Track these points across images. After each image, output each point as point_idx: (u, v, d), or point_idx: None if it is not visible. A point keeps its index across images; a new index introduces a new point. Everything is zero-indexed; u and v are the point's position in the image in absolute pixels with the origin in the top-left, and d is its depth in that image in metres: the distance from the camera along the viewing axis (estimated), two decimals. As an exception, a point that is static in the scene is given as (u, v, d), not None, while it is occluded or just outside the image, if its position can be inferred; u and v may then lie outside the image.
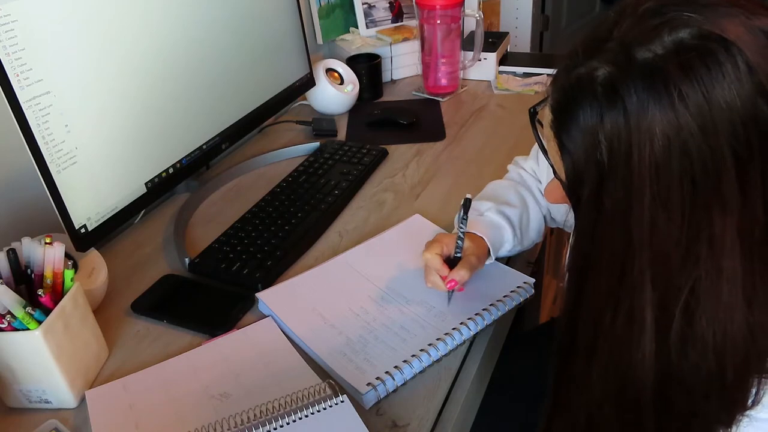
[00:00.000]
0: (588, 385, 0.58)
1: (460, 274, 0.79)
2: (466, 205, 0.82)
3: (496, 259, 0.89)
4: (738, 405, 0.54)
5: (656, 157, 0.48)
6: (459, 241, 0.81)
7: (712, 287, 0.50)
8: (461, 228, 0.81)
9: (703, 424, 0.55)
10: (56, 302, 0.71)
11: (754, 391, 0.53)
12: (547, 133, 0.57)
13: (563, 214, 0.90)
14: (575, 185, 0.54)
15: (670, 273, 0.50)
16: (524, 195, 0.94)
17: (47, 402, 0.73)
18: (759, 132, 0.47)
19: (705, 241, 0.49)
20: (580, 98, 0.51)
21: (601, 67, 0.50)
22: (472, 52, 1.49)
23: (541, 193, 0.96)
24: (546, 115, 0.57)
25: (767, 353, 0.52)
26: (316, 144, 1.26)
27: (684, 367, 0.52)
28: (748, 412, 0.54)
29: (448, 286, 0.80)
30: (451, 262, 0.82)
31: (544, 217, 0.95)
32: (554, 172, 0.60)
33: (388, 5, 1.64)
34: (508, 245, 0.88)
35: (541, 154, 0.95)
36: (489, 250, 0.86)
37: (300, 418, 0.67)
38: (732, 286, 0.50)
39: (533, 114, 0.63)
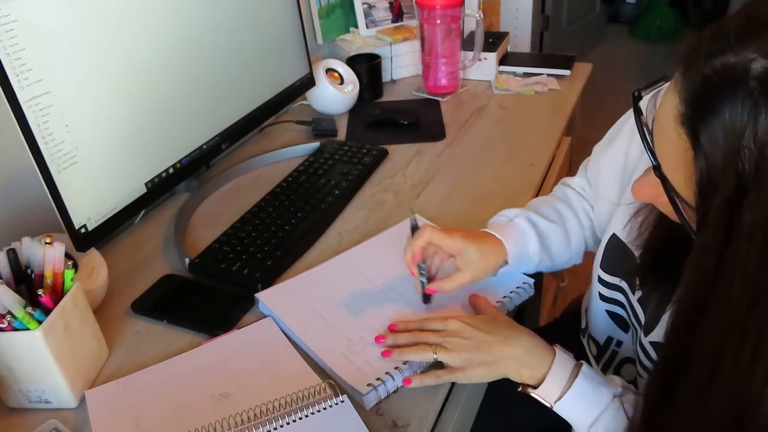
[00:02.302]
0: (698, 417, 0.52)
1: (444, 286, 0.79)
2: (413, 225, 0.81)
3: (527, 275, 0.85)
4: None
5: None
6: (423, 273, 0.79)
7: None
8: (421, 270, 0.80)
9: None
10: (56, 302, 0.71)
11: None
12: (663, 127, 0.50)
13: (605, 215, 0.82)
14: (705, 192, 0.46)
15: None
16: (562, 210, 0.89)
17: (47, 402, 0.73)
18: None
19: None
20: (728, 92, 0.43)
21: (759, 57, 0.42)
22: (472, 52, 1.49)
23: (590, 211, 0.90)
24: (669, 105, 0.48)
25: None
26: (316, 144, 1.26)
27: None
28: None
29: (428, 290, 0.80)
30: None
31: (585, 240, 0.90)
32: (656, 170, 0.52)
33: (388, 5, 1.64)
34: (534, 259, 0.83)
35: (589, 168, 0.88)
36: (505, 259, 0.82)
37: (300, 418, 0.67)
38: None
39: (637, 98, 0.54)
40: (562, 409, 0.67)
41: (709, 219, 0.46)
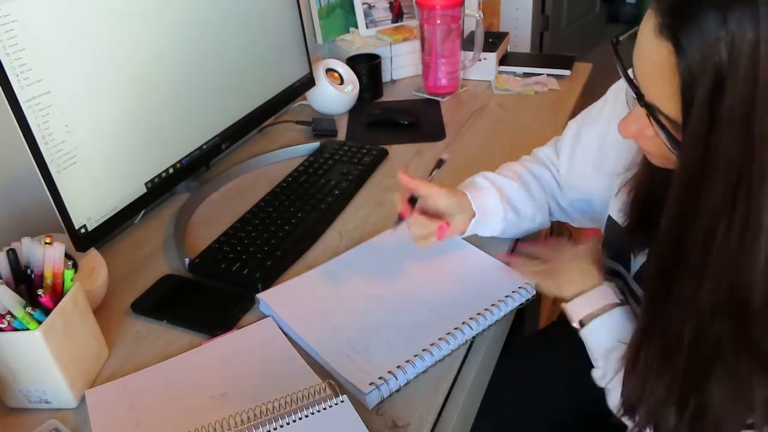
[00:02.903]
0: (695, 301, 0.57)
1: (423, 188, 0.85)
2: (438, 163, 0.88)
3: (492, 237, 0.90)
4: None
5: None
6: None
7: None
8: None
9: None
10: (56, 302, 0.71)
11: None
12: (642, 49, 0.56)
13: (580, 191, 0.90)
14: (689, 88, 0.51)
15: None
16: (520, 171, 0.95)
17: (47, 402, 0.73)
18: None
19: None
20: None
21: None
22: (472, 52, 1.49)
23: (547, 178, 0.96)
24: (647, 25, 0.55)
25: None
26: (316, 144, 1.26)
27: None
28: None
29: (402, 214, 0.85)
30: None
31: (549, 203, 0.95)
32: (639, 99, 0.58)
33: (388, 5, 1.64)
34: (498, 212, 0.90)
35: (560, 142, 0.95)
36: (473, 211, 0.88)
37: (300, 418, 0.67)
38: None
39: (616, 42, 0.62)
40: (586, 331, 0.76)
41: (694, 111, 0.51)
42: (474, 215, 0.89)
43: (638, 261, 0.77)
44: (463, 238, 0.93)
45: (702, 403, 0.60)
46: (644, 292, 0.65)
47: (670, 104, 0.54)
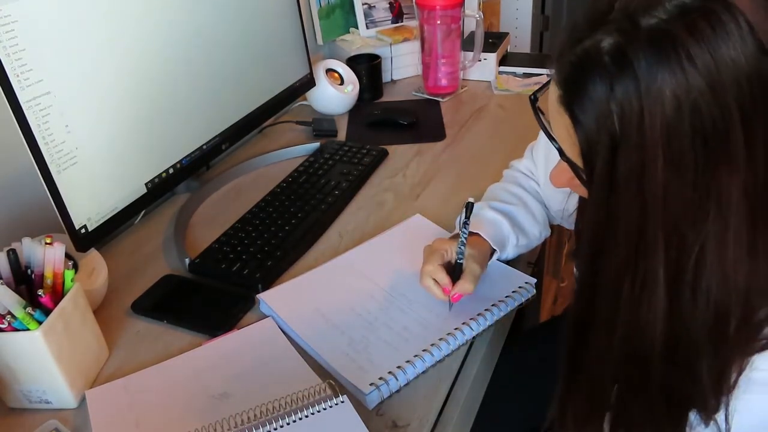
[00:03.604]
0: (607, 352, 0.60)
1: (464, 287, 0.80)
2: (468, 209, 0.81)
3: (504, 261, 0.89)
4: (738, 354, 0.57)
5: (668, 119, 0.49)
6: (461, 247, 0.81)
7: (719, 243, 0.52)
8: (463, 233, 0.81)
9: (710, 376, 0.57)
10: (56, 302, 0.71)
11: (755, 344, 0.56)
12: (552, 112, 0.59)
13: (560, 202, 0.90)
14: (589, 157, 0.55)
15: (681, 232, 0.52)
16: (518, 192, 0.95)
17: (47, 402, 0.73)
18: (762, 87, 0.49)
19: (714, 199, 0.51)
20: (588, 70, 0.52)
21: (606, 37, 0.51)
22: (472, 53, 1.49)
23: (537, 190, 0.97)
24: (552, 92, 0.58)
25: (765, 300, 0.55)
26: (316, 144, 1.26)
27: (692, 320, 0.55)
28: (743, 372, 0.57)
29: (453, 299, 0.80)
30: (452, 268, 0.81)
31: (546, 213, 0.96)
32: (561, 154, 0.61)
33: (388, 6, 1.64)
34: (512, 239, 0.89)
35: (536, 151, 0.96)
36: (490, 248, 0.86)
37: (300, 419, 0.67)
38: (737, 240, 0.52)
39: (534, 101, 0.65)
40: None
41: (595, 177, 0.55)
42: (492, 251, 0.88)
43: None
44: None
45: None
46: (566, 341, 0.67)
47: (581, 164, 0.57)
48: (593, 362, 0.63)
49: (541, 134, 0.93)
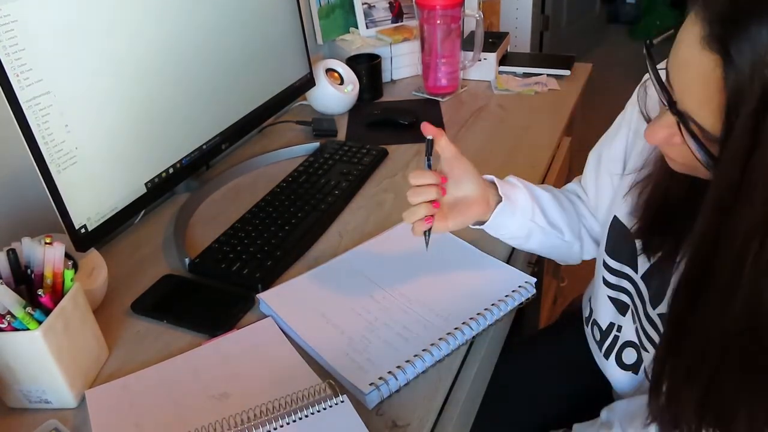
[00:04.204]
0: (722, 320, 0.57)
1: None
2: (429, 144, 0.80)
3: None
4: None
5: None
6: (428, 157, 0.79)
7: None
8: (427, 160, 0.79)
9: None
10: (56, 302, 0.71)
11: None
12: (683, 56, 0.54)
13: (600, 226, 0.87)
14: (734, 105, 0.50)
15: None
16: (551, 188, 0.91)
17: (47, 402, 0.73)
18: None
19: None
20: (756, 9, 0.48)
21: None
22: (472, 52, 1.49)
23: (579, 205, 0.92)
24: (690, 32, 0.53)
25: None
26: (316, 144, 1.26)
27: None
28: None
29: (426, 221, 0.77)
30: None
31: (581, 230, 0.92)
32: (672, 106, 0.57)
33: (388, 5, 1.64)
34: (527, 206, 0.84)
35: (584, 178, 0.91)
36: (497, 196, 0.82)
37: (300, 418, 0.67)
38: None
39: (650, 45, 0.60)
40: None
41: (736, 129, 0.50)
42: (499, 201, 0.82)
43: (642, 260, 0.77)
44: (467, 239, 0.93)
45: (727, 422, 0.59)
46: (669, 306, 0.64)
47: (708, 117, 0.53)
48: (703, 329, 0.59)
49: (589, 159, 0.90)
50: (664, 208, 0.71)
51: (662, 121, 0.60)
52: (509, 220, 0.84)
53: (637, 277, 0.78)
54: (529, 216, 0.84)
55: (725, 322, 0.56)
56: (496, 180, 0.84)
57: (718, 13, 0.51)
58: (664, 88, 0.57)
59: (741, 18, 0.49)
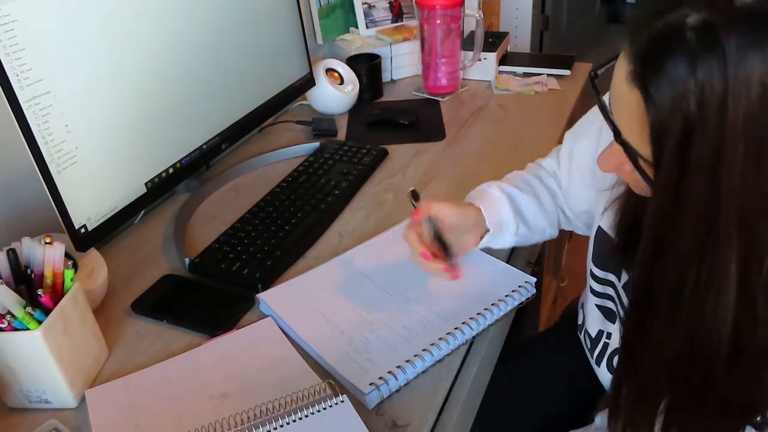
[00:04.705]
0: (666, 345, 0.58)
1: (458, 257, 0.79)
2: (413, 196, 0.82)
3: (503, 253, 0.88)
4: None
5: (751, 107, 0.47)
6: (429, 225, 0.80)
7: None
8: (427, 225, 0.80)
9: None
10: (56, 302, 0.71)
11: None
12: (617, 89, 0.56)
13: (586, 201, 0.88)
14: (659, 138, 0.52)
15: (756, 227, 0.50)
16: (532, 182, 0.93)
17: (47, 402, 0.73)
18: None
19: None
20: (670, 46, 0.49)
21: (693, 13, 0.48)
22: (472, 52, 1.49)
23: (556, 190, 0.95)
24: (621, 68, 0.55)
25: None
26: (316, 144, 1.26)
27: (763, 323, 0.53)
28: None
29: (453, 276, 0.79)
30: (439, 245, 0.81)
31: (559, 214, 0.94)
32: (616, 136, 0.58)
33: (388, 5, 1.64)
34: (511, 226, 0.86)
35: (561, 152, 0.94)
36: (485, 225, 0.84)
37: (300, 418, 0.67)
38: None
39: (594, 77, 0.62)
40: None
41: (664, 160, 0.52)
42: (487, 230, 0.85)
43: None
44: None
45: None
46: (623, 331, 0.65)
47: (643, 146, 0.55)
48: (650, 355, 0.60)
49: (567, 137, 0.93)
50: (634, 226, 0.71)
51: (612, 149, 0.61)
52: (494, 241, 0.87)
53: (619, 286, 0.79)
54: (512, 231, 0.87)
55: (670, 347, 0.58)
56: (481, 206, 0.85)
57: (638, 50, 0.52)
58: (609, 118, 0.58)
59: (658, 55, 0.50)
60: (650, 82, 0.50)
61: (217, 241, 0.98)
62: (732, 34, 0.46)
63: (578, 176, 0.89)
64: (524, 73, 1.56)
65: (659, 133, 0.51)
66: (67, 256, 0.78)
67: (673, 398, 0.60)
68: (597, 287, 0.84)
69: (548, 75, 1.52)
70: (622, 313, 0.79)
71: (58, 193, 0.80)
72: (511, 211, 0.86)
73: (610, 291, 0.82)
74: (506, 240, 0.88)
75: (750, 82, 0.46)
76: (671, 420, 0.61)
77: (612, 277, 0.81)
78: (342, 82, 1.42)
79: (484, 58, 1.51)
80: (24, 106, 0.74)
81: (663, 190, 0.53)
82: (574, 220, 0.94)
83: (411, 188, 0.84)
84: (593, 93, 0.61)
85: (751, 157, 0.48)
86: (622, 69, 0.54)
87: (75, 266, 0.82)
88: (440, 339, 0.76)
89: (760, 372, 0.55)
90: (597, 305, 0.85)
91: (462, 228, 0.83)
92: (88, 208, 0.85)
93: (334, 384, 0.71)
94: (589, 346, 0.88)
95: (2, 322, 0.67)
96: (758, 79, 0.46)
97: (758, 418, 0.59)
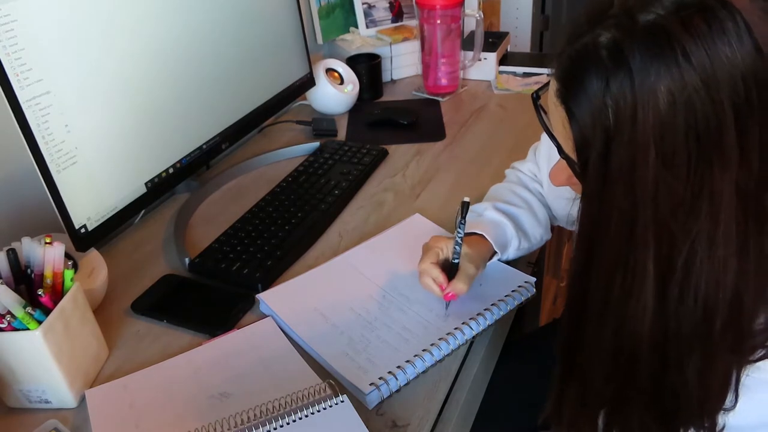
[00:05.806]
0: (599, 348, 0.61)
1: (457, 287, 0.79)
2: (464, 208, 0.81)
3: (503, 261, 0.89)
4: (727, 355, 0.57)
5: (661, 115, 0.49)
6: (457, 247, 0.80)
7: (709, 241, 0.52)
8: (459, 233, 0.80)
9: (699, 377, 0.58)
10: (56, 302, 0.71)
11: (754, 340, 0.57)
12: (551, 108, 0.59)
13: (564, 207, 0.90)
14: (583, 150, 0.55)
15: (672, 228, 0.53)
16: (523, 194, 0.94)
17: (47, 402, 0.73)
18: (757, 86, 0.49)
19: (706, 197, 0.51)
20: (585, 64, 0.53)
21: (604, 33, 0.52)
22: (472, 52, 1.49)
23: (542, 193, 0.96)
24: (551, 87, 0.58)
25: (755, 299, 0.55)
26: (316, 144, 1.26)
27: (680, 317, 0.55)
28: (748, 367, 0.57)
29: (446, 298, 0.80)
30: (449, 268, 0.81)
31: (549, 216, 0.95)
32: (560, 151, 0.61)
33: (388, 5, 1.64)
34: (514, 242, 0.88)
35: (538, 153, 0.96)
36: (492, 248, 0.86)
37: (300, 418, 0.67)
38: (727, 239, 0.52)
39: (536, 98, 0.65)
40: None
41: (589, 170, 0.55)
42: (493, 253, 0.87)
43: None
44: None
45: None
46: (559, 335, 0.67)
47: (575, 159, 0.58)
48: (586, 358, 0.63)
49: (544, 135, 0.94)
50: None
51: (560, 164, 0.64)
52: (500, 258, 0.89)
53: None
54: (515, 246, 0.89)
55: (602, 347, 0.60)
56: (487, 236, 0.85)
57: (560, 70, 0.56)
58: (552, 136, 0.61)
59: (576, 74, 0.54)
60: (571, 98, 0.54)
61: (217, 241, 0.98)
62: (635, 49, 0.50)
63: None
64: (524, 73, 1.56)
65: (583, 146, 0.55)
66: (67, 256, 0.78)
67: (611, 399, 0.63)
68: None
69: (548, 75, 1.52)
70: None
71: (58, 193, 0.80)
72: (514, 230, 0.88)
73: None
74: (510, 255, 0.90)
75: (657, 92, 0.49)
76: (611, 420, 0.64)
77: None
78: (342, 82, 1.42)
79: (484, 58, 1.51)
80: (24, 106, 0.74)
81: (590, 199, 0.57)
82: (562, 221, 0.95)
83: (465, 198, 0.81)
84: (537, 112, 0.64)
85: (664, 162, 0.51)
86: (552, 88, 0.58)
87: (75, 266, 0.82)
88: (440, 339, 0.76)
89: (682, 364, 0.58)
90: None
91: (484, 264, 0.85)
92: (88, 208, 0.85)
93: (334, 384, 0.71)
94: None
95: (2, 322, 0.67)
96: (665, 88, 0.49)
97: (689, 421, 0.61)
